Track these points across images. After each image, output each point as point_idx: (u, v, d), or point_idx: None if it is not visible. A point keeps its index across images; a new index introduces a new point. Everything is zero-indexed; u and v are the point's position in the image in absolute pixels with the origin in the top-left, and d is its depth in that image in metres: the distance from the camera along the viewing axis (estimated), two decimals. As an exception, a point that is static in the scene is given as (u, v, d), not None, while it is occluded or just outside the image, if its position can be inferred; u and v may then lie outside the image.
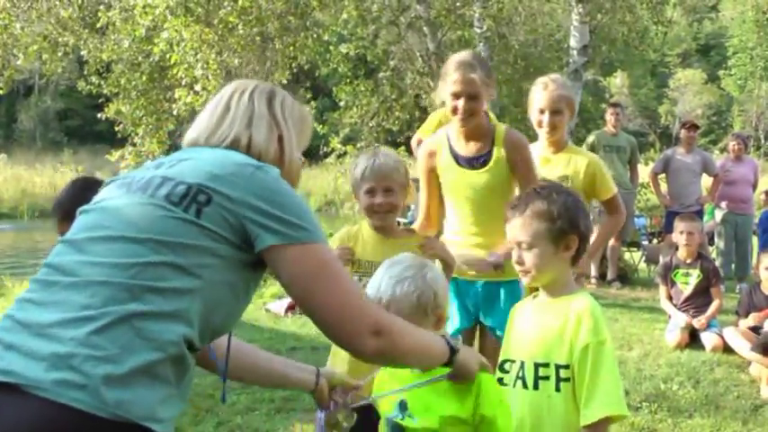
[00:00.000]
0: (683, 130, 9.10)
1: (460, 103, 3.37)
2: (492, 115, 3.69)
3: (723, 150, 29.65)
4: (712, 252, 9.53)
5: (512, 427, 2.17)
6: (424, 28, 13.05)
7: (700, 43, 51.29)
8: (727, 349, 5.98)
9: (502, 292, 3.56)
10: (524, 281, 2.37)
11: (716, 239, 9.54)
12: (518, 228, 2.29)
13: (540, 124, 3.95)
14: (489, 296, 3.58)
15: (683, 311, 6.40)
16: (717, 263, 8.65)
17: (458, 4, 12.88)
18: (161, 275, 1.56)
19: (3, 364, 1.46)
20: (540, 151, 4.01)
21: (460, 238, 3.62)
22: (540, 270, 2.28)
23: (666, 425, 4.52)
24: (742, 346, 5.83)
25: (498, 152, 3.46)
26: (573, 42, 11.89)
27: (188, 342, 1.58)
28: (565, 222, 2.26)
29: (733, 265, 9.26)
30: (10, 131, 40.18)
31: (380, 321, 1.70)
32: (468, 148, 3.53)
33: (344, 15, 12.17)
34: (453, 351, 1.96)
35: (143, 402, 1.48)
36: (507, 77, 15.79)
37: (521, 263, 2.30)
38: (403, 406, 2.21)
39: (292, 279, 1.67)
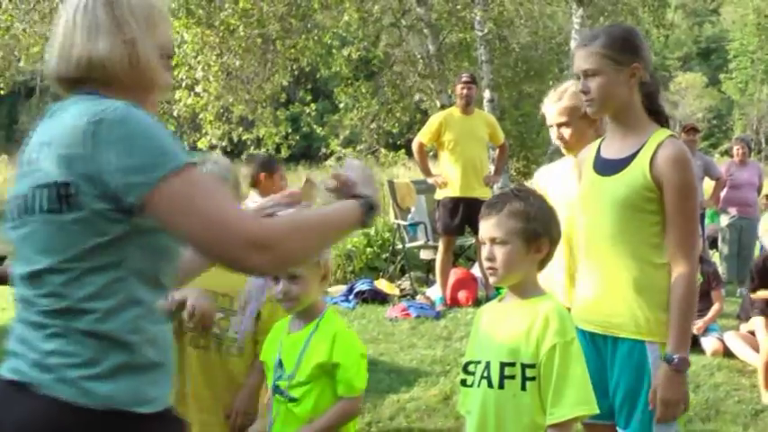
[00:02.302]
0: (683, 134, 9.09)
1: (580, 83, 2.69)
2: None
3: (724, 154, 29.66)
4: (714, 256, 9.51)
5: (362, 371, 2.64)
6: (425, 30, 13.05)
7: (700, 46, 51.28)
8: (727, 354, 5.96)
9: (619, 355, 2.65)
10: (491, 280, 2.40)
11: (720, 244, 9.53)
12: (493, 225, 2.33)
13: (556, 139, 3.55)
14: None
15: (684, 315, 6.37)
16: (720, 268, 8.63)
17: (458, 6, 12.89)
18: (86, 283, 1.62)
19: (12, 365, 1.66)
20: (571, 167, 3.33)
21: (579, 272, 2.83)
22: (509, 269, 2.32)
23: (667, 429, 4.51)
24: (743, 350, 5.82)
25: (643, 158, 2.58)
26: (574, 45, 11.89)
27: (144, 314, 1.67)
28: (539, 225, 2.31)
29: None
30: (11, 132, 40.16)
31: (263, 236, 1.62)
32: (612, 149, 2.72)
33: (345, 17, 12.17)
34: (368, 204, 1.88)
35: (131, 389, 1.62)
36: (508, 80, 15.81)
37: (491, 258, 2.33)
38: (279, 363, 2.63)
39: (165, 220, 1.61)
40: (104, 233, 1.62)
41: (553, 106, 3.36)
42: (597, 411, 2.27)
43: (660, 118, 2.72)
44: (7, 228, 1.75)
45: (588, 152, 2.84)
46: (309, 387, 2.60)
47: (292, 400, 2.61)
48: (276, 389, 2.64)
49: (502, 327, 2.36)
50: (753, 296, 5.57)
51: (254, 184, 5.34)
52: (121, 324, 1.63)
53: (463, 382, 2.42)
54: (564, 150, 3.42)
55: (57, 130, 1.68)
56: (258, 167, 4.80)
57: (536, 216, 2.32)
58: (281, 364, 2.64)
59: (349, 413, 2.66)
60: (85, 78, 1.75)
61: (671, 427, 2.55)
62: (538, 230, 2.31)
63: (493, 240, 2.33)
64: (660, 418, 2.50)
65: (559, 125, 3.34)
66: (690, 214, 2.57)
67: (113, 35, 1.76)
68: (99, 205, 1.60)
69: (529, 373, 2.25)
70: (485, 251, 2.36)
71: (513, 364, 2.27)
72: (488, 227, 2.35)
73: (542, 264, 2.38)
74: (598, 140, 2.85)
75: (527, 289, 2.37)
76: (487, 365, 2.33)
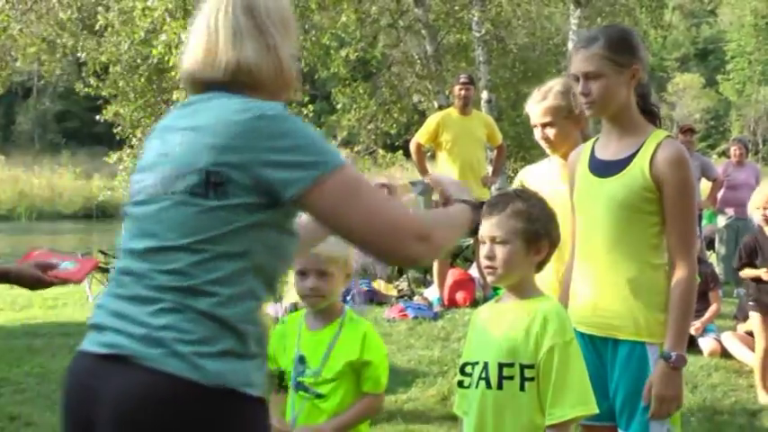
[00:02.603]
0: (679, 135, 9.11)
1: (579, 85, 2.63)
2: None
3: (722, 155, 29.70)
4: (711, 257, 9.52)
5: (387, 369, 2.74)
6: (423, 31, 13.05)
7: (698, 47, 51.34)
8: (724, 354, 5.97)
9: (619, 356, 2.63)
10: (489, 279, 2.39)
11: (717, 244, 9.54)
12: (494, 224, 2.33)
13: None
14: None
15: (681, 316, 6.37)
16: (717, 268, 8.65)
17: (456, 7, 12.90)
18: (216, 268, 1.66)
19: (108, 340, 1.66)
20: (556, 168, 3.31)
21: (574, 274, 2.80)
22: (508, 268, 2.31)
23: (664, 430, 4.51)
24: (740, 350, 5.82)
25: (643, 159, 2.57)
26: (571, 46, 11.89)
27: (257, 308, 1.73)
28: (541, 226, 2.31)
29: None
30: (8, 133, 40.13)
31: (424, 228, 1.74)
32: (608, 150, 2.69)
33: (343, 18, 12.17)
34: (474, 207, 2.04)
35: (238, 372, 1.65)
36: (505, 81, 15.83)
37: (491, 257, 2.33)
38: (302, 360, 2.67)
39: (326, 218, 1.71)
40: (242, 222, 1.67)
41: (537, 106, 3.28)
42: (596, 411, 2.27)
43: (654, 117, 2.72)
44: (130, 202, 1.80)
45: (581, 153, 2.81)
46: (336, 384, 2.65)
47: (319, 396, 2.66)
48: (299, 385, 2.67)
49: (500, 327, 2.35)
50: (741, 274, 5.56)
51: None
52: (239, 312, 1.67)
53: (460, 384, 2.42)
54: (548, 151, 3.36)
55: (205, 119, 1.72)
56: None
57: (538, 217, 2.31)
58: (302, 360, 2.69)
59: (374, 408, 2.78)
60: (232, 82, 1.78)
61: (663, 426, 2.55)
62: (539, 232, 2.31)
63: (493, 239, 2.33)
64: (654, 414, 2.50)
65: (543, 125, 3.26)
66: (689, 214, 2.58)
67: (257, 41, 1.80)
68: (246, 196, 1.66)
69: (527, 373, 2.25)
70: (484, 250, 2.35)
71: (511, 365, 2.27)
72: (489, 226, 2.34)
73: (540, 266, 2.38)
74: (591, 141, 2.82)
75: (525, 290, 2.36)
76: (485, 366, 2.32)
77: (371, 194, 1.71)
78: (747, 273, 5.40)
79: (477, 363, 2.36)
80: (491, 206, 2.37)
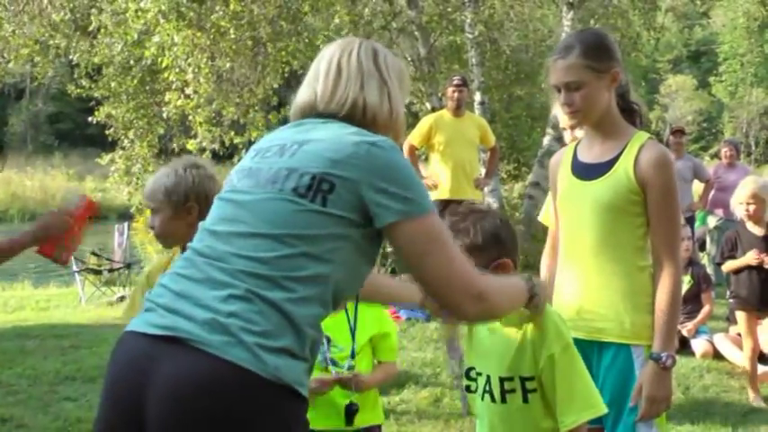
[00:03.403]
0: (670, 137, 9.13)
1: (561, 96, 2.62)
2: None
3: (714, 157, 29.77)
4: (703, 258, 9.55)
5: (396, 338, 3.16)
6: (416, 33, 13.05)
7: (691, 49, 51.46)
8: (717, 356, 6.00)
9: (604, 359, 2.64)
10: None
11: (708, 246, 9.56)
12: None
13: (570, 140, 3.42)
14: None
15: (674, 317, 6.38)
16: (709, 269, 8.69)
17: (449, 9, 12.90)
18: (298, 265, 1.72)
19: (167, 322, 1.67)
20: None
21: (559, 278, 2.78)
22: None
23: (656, 431, 4.52)
24: (732, 352, 5.85)
25: (626, 161, 2.56)
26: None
27: (322, 317, 1.78)
28: (493, 250, 2.19)
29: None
30: (1, 135, 40.03)
31: (483, 289, 1.82)
32: (591, 153, 2.68)
33: (336, 20, 12.16)
34: (533, 293, 2.09)
35: (293, 370, 1.67)
36: (498, 83, 15.83)
37: None
38: (327, 340, 2.92)
39: (405, 253, 1.80)
40: (334, 230, 1.75)
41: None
42: (605, 411, 2.26)
43: (634, 115, 2.73)
44: (228, 190, 1.90)
45: (562, 157, 2.80)
46: (360, 356, 3.00)
47: (350, 368, 2.96)
48: (332, 361, 2.95)
49: (495, 338, 2.30)
50: (723, 268, 5.58)
51: None
52: (306, 313, 1.71)
53: (467, 388, 2.40)
54: None
55: (321, 135, 1.85)
56: None
57: (487, 242, 2.19)
58: (328, 340, 2.94)
59: (395, 373, 3.26)
60: (348, 116, 1.93)
61: (651, 427, 2.55)
62: (493, 256, 2.18)
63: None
64: (644, 414, 2.50)
65: (573, 127, 3.29)
66: (673, 215, 2.57)
67: (380, 87, 1.98)
68: (345, 210, 1.76)
69: (529, 385, 2.22)
70: None
71: (511, 379, 2.24)
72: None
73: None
74: (572, 144, 2.82)
75: None
76: (488, 379, 2.30)
77: (449, 245, 1.80)
78: (729, 265, 5.43)
79: (480, 373, 2.34)
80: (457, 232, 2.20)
